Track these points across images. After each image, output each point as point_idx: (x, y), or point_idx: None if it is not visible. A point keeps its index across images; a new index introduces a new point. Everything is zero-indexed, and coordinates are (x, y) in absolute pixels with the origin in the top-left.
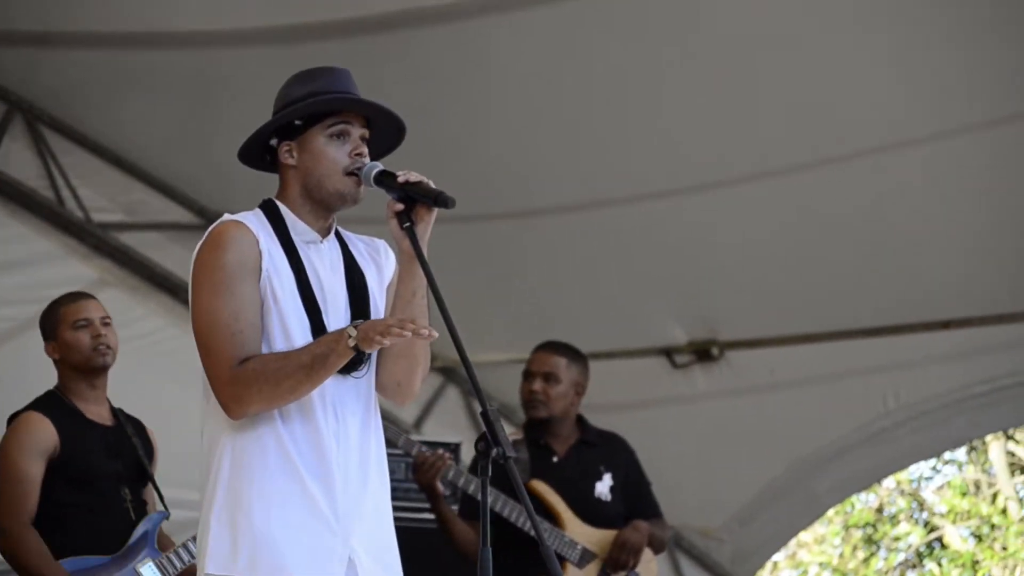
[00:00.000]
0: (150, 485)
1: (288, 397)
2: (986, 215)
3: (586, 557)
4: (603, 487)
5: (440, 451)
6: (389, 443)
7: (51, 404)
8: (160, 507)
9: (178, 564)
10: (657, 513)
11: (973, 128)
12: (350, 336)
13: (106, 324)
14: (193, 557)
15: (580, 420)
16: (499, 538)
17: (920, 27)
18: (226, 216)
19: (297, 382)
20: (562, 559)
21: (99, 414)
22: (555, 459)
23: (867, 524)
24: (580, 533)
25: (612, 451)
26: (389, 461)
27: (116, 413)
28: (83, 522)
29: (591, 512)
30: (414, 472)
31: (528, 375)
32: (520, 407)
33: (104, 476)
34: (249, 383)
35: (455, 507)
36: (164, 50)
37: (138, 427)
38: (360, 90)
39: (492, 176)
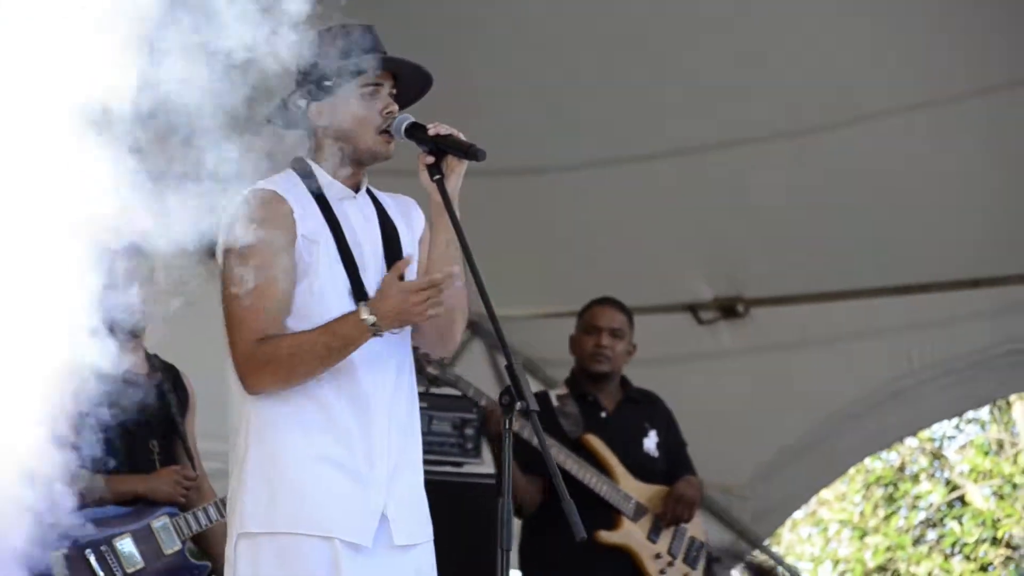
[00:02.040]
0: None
1: (304, 380)
2: (1017, 174)
3: (639, 511)
4: (650, 443)
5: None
6: (462, 392)
7: None
8: (188, 464)
9: (194, 526)
10: (694, 471)
11: (1002, 87)
12: (369, 325)
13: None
14: (211, 520)
15: (623, 378)
16: (551, 488)
17: None
18: (258, 184)
19: (312, 369)
20: (617, 512)
21: (132, 363)
22: (603, 415)
23: (888, 483)
24: (632, 487)
25: (654, 409)
26: None
27: (151, 361)
28: (110, 473)
29: (640, 467)
30: (483, 422)
31: (593, 329)
32: (538, 361)
33: (132, 427)
34: (262, 365)
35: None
36: None
37: (174, 375)
38: (399, 44)
39: (521, 130)
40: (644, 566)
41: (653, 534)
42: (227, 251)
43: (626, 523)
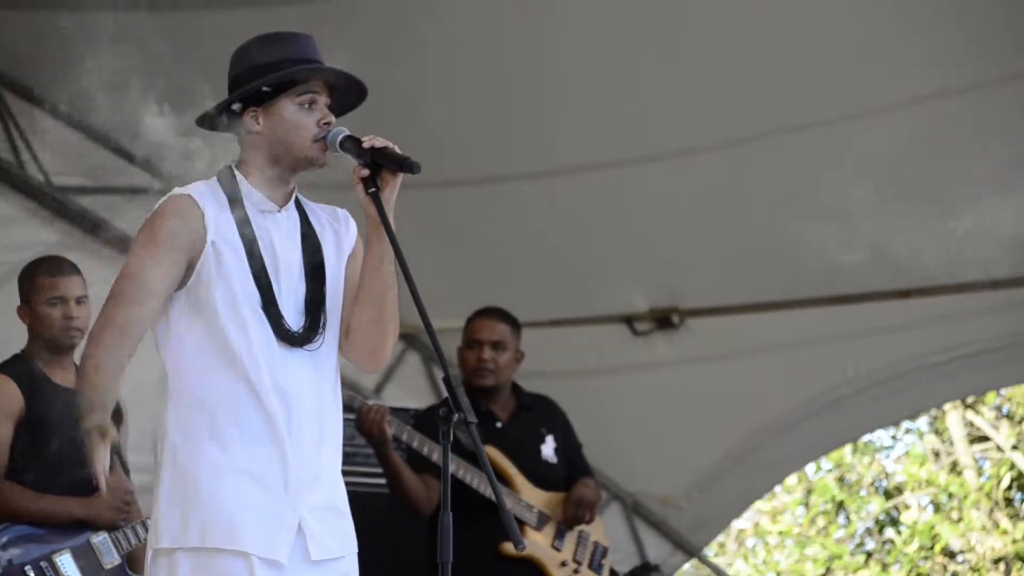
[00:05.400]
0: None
1: None
2: (950, 185)
3: (542, 519)
4: (548, 450)
5: (379, 403)
6: None
7: (16, 366)
8: (123, 476)
9: (133, 540)
10: (591, 473)
11: (931, 96)
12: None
13: (81, 302)
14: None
15: (514, 385)
16: (454, 502)
17: None
18: (176, 189)
19: None
20: (520, 523)
21: (65, 378)
22: (499, 424)
23: (828, 494)
24: (533, 496)
25: (548, 413)
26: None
27: None
28: (44, 486)
29: (540, 475)
30: (359, 424)
31: (475, 343)
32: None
33: (67, 440)
34: (91, 368)
35: None
36: (124, 12)
37: None
38: (332, 59)
39: (452, 144)
40: (551, 574)
41: (558, 541)
42: (133, 244)
43: (530, 533)
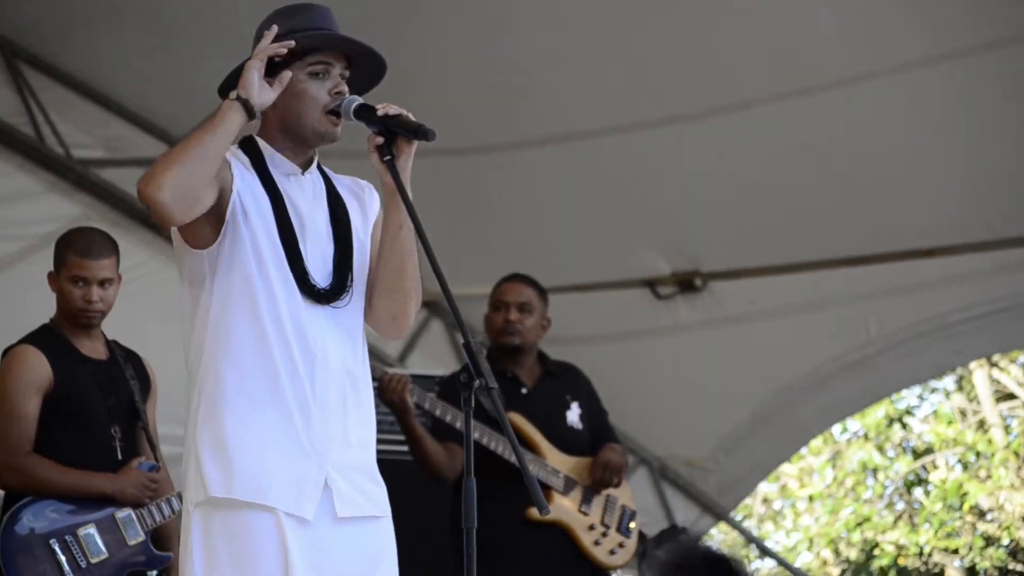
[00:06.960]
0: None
1: (199, 161)
2: (968, 144)
3: (569, 484)
4: (573, 416)
5: (400, 372)
6: None
7: (45, 338)
8: (150, 452)
9: (158, 517)
10: (617, 439)
11: (952, 55)
12: (240, 101)
13: (106, 285)
14: (174, 511)
15: (540, 353)
16: (479, 469)
17: None
18: None
19: (200, 146)
20: (547, 488)
21: (93, 349)
22: (524, 391)
23: (856, 454)
24: (558, 461)
25: (574, 381)
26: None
27: (111, 347)
28: (71, 459)
29: (565, 441)
30: (381, 393)
31: (502, 305)
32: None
33: (94, 413)
34: (162, 169)
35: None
36: None
37: (135, 361)
38: (344, 25)
39: (472, 109)
40: (579, 538)
41: (585, 506)
42: None
43: (556, 497)
